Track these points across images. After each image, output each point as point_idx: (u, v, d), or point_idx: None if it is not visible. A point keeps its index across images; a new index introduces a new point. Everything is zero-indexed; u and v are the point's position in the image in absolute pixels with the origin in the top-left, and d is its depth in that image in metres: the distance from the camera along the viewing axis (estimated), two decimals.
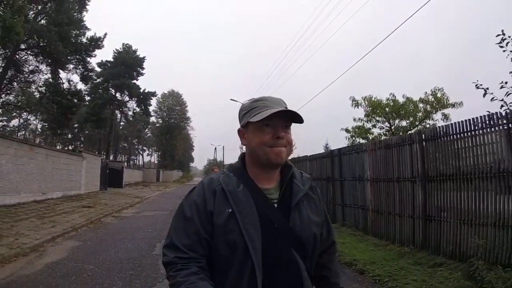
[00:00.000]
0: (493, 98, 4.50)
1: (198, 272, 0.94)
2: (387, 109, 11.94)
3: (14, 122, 42.77)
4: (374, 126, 12.74)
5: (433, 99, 11.39)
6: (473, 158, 4.55)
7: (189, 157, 75.04)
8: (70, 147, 29.83)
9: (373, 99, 12.32)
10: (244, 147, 1.14)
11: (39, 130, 47.71)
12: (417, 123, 12.00)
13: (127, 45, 33.62)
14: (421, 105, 11.81)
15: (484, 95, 4.55)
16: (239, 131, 1.13)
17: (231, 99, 26.42)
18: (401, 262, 4.83)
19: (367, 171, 6.92)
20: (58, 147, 32.41)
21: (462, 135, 4.73)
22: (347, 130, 13.53)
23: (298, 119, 1.04)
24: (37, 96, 17.69)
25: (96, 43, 18.97)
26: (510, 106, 4.38)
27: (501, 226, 4.02)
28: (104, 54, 56.67)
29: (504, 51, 4.44)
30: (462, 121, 4.78)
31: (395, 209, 5.99)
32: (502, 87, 4.37)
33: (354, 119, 13.32)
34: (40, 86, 16.89)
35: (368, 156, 6.89)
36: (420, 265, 4.67)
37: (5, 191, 9.22)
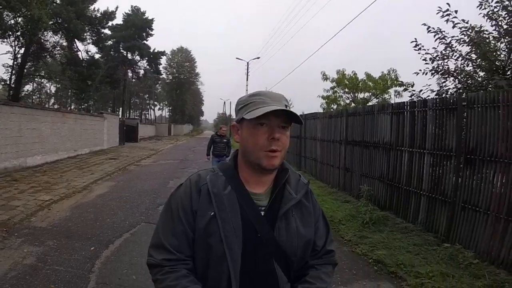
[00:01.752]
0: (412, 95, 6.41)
1: (187, 275, 0.92)
2: (347, 82, 14.34)
3: (28, 87, 44.73)
4: (340, 96, 15.40)
5: (388, 78, 13.64)
6: (371, 131, 6.59)
7: (199, 111, 77.97)
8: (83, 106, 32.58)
9: (339, 75, 14.72)
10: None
11: (53, 92, 49.99)
12: (373, 97, 14.50)
13: (136, 7, 34.70)
14: (380, 81, 14.13)
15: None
16: (233, 125, 1.05)
17: (236, 58, 28.19)
18: (325, 198, 7.23)
19: (318, 133, 9.30)
20: (72, 107, 35.16)
21: (367, 115, 6.87)
22: (323, 97, 16.06)
23: (296, 119, 0.97)
24: (60, 67, 19.98)
25: (110, 16, 20.66)
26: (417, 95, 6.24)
27: (381, 180, 6.13)
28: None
29: (419, 53, 6.12)
30: (367, 106, 6.96)
31: (330, 161, 8.42)
32: (406, 89, 6.43)
33: (324, 90, 15.91)
34: (61, 59, 18.96)
35: (319, 122, 9.20)
36: (337, 200, 7.02)
37: (47, 151, 11.75)
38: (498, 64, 5.34)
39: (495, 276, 3.34)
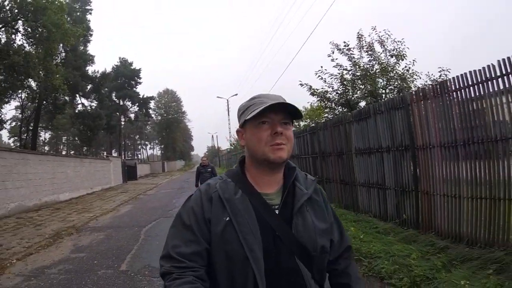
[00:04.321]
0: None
1: (193, 282, 0.90)
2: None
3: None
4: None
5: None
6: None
7: (190, 147, 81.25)
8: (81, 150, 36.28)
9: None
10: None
11: (53, 140, 53.61)
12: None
13: (123, 59, 39.17)
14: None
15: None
16: (237, 131, 1.08)
17: (217, 97, 31.93)
18: None
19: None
20: (70, 153, 38.72)
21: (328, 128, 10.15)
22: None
23: (296, 113, 0.99)
24: (69, 120, 23.79)
25: (107, 76, 24.62)
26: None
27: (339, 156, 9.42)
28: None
29: (321, 78, 9.59)
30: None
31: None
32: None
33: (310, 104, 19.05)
34: (70, 113, 22.62)
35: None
36: None
37: (72, 189, 14.65)
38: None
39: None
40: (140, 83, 39.34)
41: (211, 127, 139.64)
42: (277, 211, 0.99)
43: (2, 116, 15.76)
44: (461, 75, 3.81)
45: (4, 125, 15.98)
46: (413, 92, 4.76)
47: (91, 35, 20.47)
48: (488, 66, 3.46)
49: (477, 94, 3.64)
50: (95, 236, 6.89)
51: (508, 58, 3.24)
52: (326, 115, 10.48)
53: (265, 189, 1.02)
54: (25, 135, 21.02)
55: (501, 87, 3.41)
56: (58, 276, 4.46)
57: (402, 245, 4.20)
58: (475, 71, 3.64)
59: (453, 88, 3.88)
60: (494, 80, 3.45)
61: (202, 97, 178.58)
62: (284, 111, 0.98)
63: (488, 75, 3.49)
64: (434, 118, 4.21)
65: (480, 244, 3.63)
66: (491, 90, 3.50)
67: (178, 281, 0.89)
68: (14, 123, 32.57)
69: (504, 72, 3.31)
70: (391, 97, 7.79)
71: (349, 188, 6.66)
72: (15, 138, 30.44)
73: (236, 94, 43.31)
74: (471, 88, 3.69)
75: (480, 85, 3.58)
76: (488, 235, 3.59)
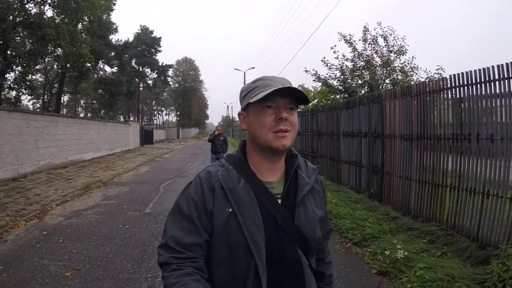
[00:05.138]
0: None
1: (192, 273, 0.90)
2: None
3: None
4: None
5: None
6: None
7: (205, 115, 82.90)
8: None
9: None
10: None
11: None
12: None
13: (144, 27, 39.88)
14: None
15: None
16: (239, 114, 1.05)
17: (235, 69, 32.66)
18: None
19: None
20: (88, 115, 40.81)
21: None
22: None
23: (302, 98, 0.96)
24: (91, 85, 25.38)
25: (129, 45, 25.74)
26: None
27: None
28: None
29: (327, 65, 10.55)
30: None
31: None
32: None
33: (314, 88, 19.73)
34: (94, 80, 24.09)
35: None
36: None
37: (95, 150, 16.17)
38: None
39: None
40: (160, 51, 40.36)
41: (227, 97, 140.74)
42: (279, 201, 0.98)
43: (33, 82, 17.05)
44: (421, 83, 4.73)
45: (35, 91, 17.33)
46: (387, 91, 5.67)
47: (114, 4, 21.23)
48: (439, 79, 4.35)
49: (429, 100, 4.55)
50: (121, 189, 8.28)
51: (457, 74, 4.10)
52: (332, 96, 11.34)
53: (267, 177, 1.00)
54: (46, 97, 22.62)
55: (449, 96, 4.31)
56: (94, 216, 5.78)
57: (365, 212, 5.33)
58: (429, 81, 4.55)
59: (414, 93, 4.79)
60: (443, 91, 4.35)
61: (220, 68, 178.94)
62: (290, 96, 0.95)
63: (437, 87, 4.42)
64: (399, 114, 5.17)
65: (422, 218, 4.66)
66: (441, 98, 4.41)
67: (177, 272, 0.89)
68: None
69: (451, 85, 4.18)
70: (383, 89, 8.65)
71: (336, 164, 7.80)
72: (35, 100, 32.41)
73: (253, 67, 44.18)
74: (426, 95, 4.60)
75: (433, 93, 4.48)
76: (429, 212, 4.57)
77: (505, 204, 3.44)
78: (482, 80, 3.68)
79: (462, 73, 3.99)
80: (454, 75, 4.13)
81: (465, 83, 3.94)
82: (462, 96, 4.02)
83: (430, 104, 4.49)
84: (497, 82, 3.50)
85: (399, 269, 3.48)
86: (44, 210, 6.05)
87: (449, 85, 4.20)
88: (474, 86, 3.82)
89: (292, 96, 0.94)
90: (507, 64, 3.37)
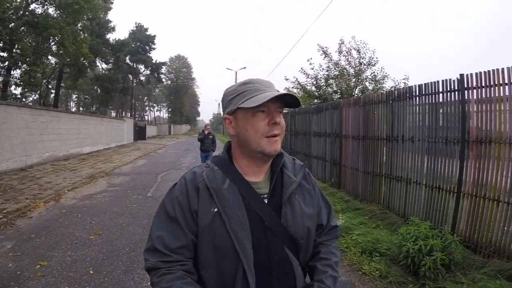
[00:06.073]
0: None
1: (183, 276, 0.89)
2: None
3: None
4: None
5: None
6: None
7: (196, 112, 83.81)
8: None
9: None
10: None
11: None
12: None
13: (139, 24, 40.55)
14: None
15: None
16: (225, 118, 1.02)
17: (226, 68, 33.88)
18: None
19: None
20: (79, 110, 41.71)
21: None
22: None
23: (294, 103, 0.97)
24: (88, 82, 26.49)
25: (126, 44, 26.90)
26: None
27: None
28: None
29: (305, 73, 11.93)
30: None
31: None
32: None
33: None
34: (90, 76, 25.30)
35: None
36: None
37: (93, 144, 17.19)
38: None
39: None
40: (154, 48, 41.18)
41: (219, 94, 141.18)
42: (266, 200, 0.97)
43: (37, 80, 17.90)
44: (366, 95, 6.09)
45: (38, 87, 18.26)
46: (344, 100, 7.05)
47: (111, 3, 22.20)
48: (376, 93, 5.69)
49: (371, 109, 5.91)
50: (123, 178, 9.51)
51: (390, 90, 5.47)
52: (310, 101, 12.70)
53: (253, 178, 0.99)
54: (43, 92, 23.59)
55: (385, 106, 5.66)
56: (103, 199, 6.99)
57: None
58: (372, 94, 5.90)
59: (361, 103, 6.15)
60: (381, 103, 5.68)
61: (211, 66, 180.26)
62: (280, 100, 0.94)
63: (376, 99, 5.78)
64: (352, 119, 6.53)
65: (366, 201, 6.01)
66: (380, 108, 5.75)
67: (168, 277, 0.88)
68: None
69: (386, 99, 5.47)
70: (355, 96, 10.06)
71: (308, 159, 9.17)
72: (28, 94, 33.17)
73: (244, 67, 45.69)
74: (369, 105, 5.95)
75: (373, 104, 5.83)
76: (371, 196, 5.90)
77: (422, 189, 4.70)
78: (407, 95, 4.94)
79: (392, 90, 5.35)
80: (388, 91, 5.50)
81: (395, 97, 5.24)
82: (393, 107, 5.32)
83: (372, 112, 5.84)
84: (416, 98, 4.77)
85: (340, 235, 4.79)
86: (58, 194, 7.09)
87: (384, 99, 5.54)
88: (400, 100, 5.13)
89: (282, 99, 0.94)
90: (415, 85, 4.75)
